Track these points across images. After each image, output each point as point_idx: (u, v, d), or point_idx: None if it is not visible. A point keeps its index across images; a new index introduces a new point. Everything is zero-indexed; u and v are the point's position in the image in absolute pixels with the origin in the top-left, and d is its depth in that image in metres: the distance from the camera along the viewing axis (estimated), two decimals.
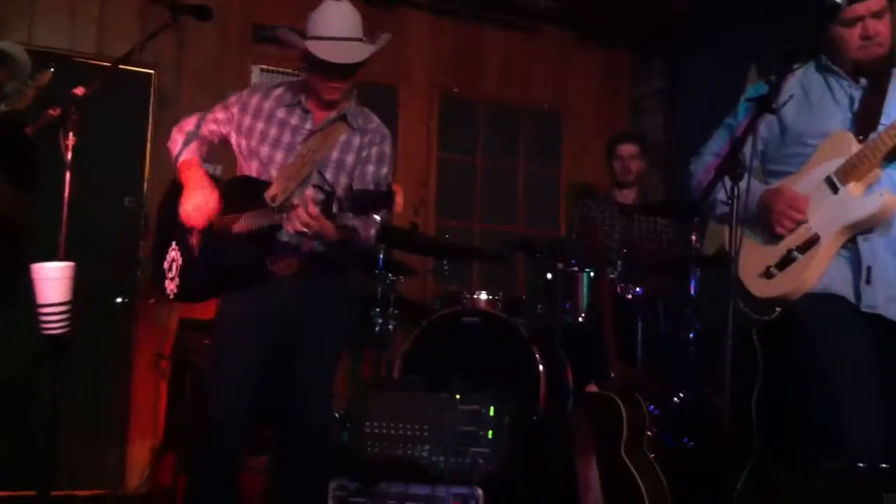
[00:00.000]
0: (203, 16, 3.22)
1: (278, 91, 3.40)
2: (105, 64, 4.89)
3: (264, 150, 3.31)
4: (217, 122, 3.40)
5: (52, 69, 3.66)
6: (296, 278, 3.26)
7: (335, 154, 3.30)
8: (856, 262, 2.84)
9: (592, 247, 5.10)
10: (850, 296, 2.83)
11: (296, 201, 2.95)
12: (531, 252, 5.26)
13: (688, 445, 4.44)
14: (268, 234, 3.17)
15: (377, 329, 4.84)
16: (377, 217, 3.00)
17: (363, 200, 2.82)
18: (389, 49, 6.07)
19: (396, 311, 4.89)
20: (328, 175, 3.27)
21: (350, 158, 3.31)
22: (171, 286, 3.35)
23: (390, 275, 4.92)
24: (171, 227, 3.38)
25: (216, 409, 3.24)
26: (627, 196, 5.42)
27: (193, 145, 3.34)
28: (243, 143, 3.35)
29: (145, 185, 5.43)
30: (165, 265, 3.37)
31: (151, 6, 5.37)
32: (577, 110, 6.82)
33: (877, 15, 2.82)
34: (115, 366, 5.26)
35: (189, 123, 3.39)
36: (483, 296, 4.88)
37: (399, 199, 2.76)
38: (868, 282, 2.81)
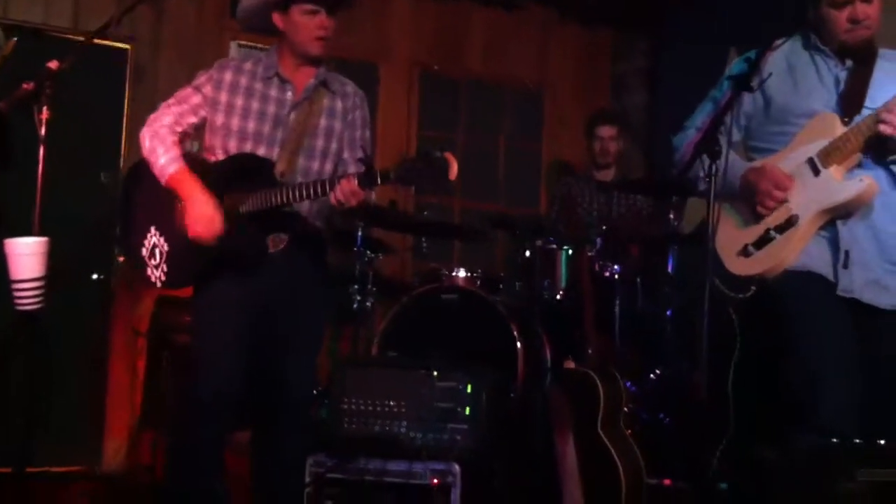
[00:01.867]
0: None
1: (248, 65, 3.33)
2: (80, 38, 4.83)
3: (250, 126, 3.24)
4: (194, 111, 3.30)
5: (16, 39, 3.59)
6: (282, 254, 3.24)
7: (323, 121, 3.27)
8: (835, 245, 2.85)
9: (572, 224, 5.11)
10: (830, 275, 2.85)
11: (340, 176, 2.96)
12: (510, 229, 5.26)
13: (664, 421, 4.47)
14: (271, 212, 3.12)
15: (356, 306, 4.84)
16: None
17: (416, 173, 2.79)
18: (370, 26, 6.18)
19: (375, 289, 4.89)
20: (319, 142, 3.25)
21: (338, 125, 3.30)
22: (156, 273, 3.27)
23: (369, 252, 4.91)
24: (148, 212, 3.30)
25: (205, 391, 3.20)
26: (607, 175, 5.43)
27: (177, 152, 3.24)
28: (223, 120, 3.26)
29: (121, 160, 5.37)
30: (145, 252, 3.29)
31: None
32: (559, 88, 6.80)
33: None
34: (92, 343, 5.22)
35: (163, 126, 3.26)
36: (462, 273, 4.88)
37: (454, 168, 2.74)
38: (845, 266, 2.83)
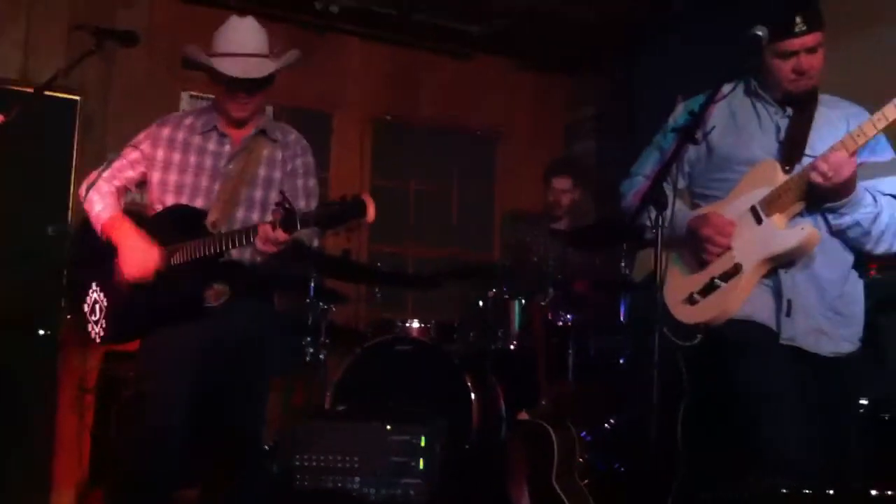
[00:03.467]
0: (130, 41, 3.18)
1: (188, 120, 3.35)
2: (29, 89, 4.80)
3: (188, 179, 3.25)
4: (133, 166, 3.32)
5: None
6: (225, 306, 3.21)
7: (262, 171, 3.28)
8: (778, 293, 2.88)
9: (525, 273, 5.12)
10: (773, 324, 2.87)
11: (260, 222, 2.96)
12: (463, 279, 5.26)
13: (619, 470, 4.45)
14: (206, 263, 3.10)
15: (309, 358, 4.79)
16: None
17: (333, 214, 2.82)
18: (324, 75, 6.20)
19: (328, 340, 4.85)
20: (258, 193, 3.25)
21: (278, 174, 3.30)
22: (96, 329, 3.24)
23: (322, 303, 4.88)
24: (89, 267, 3.29)
25: (145, 443, 3.16)
26: (560, 223, 5.45)
27: (112, 201, 3.26)
28: (160, 176, 3.27)
29: (69, 212, 5.31)
30: (86, 308, 3.26)
31: (78, 31, 5.28)
32: (511, 135, 6.86)
33: (811, 50, 2.86)
34: (38, 398, 5.11)
35: (100, 178, 3.27)
36: (415, 323, 4.88)
37: (371, 210, 2.78)
38: (788, 314, 2.85)
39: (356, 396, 4.51)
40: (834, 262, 2.89)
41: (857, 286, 2.96)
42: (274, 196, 3.21)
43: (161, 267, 3.12)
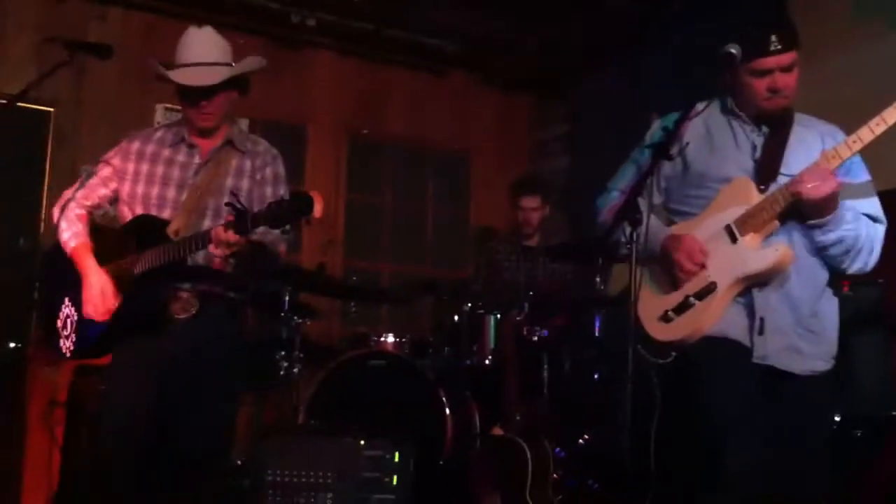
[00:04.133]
0: (103, 54, 3.17)
1: (158, 133, 3.37)
2: (2, 101, 4.75)
3: (155, 191, 3.26)
4: (104, 183, 3.33)
5: None
6: (191, 320, 3.20)
7: (229, 181, 3.28)
8: (751, 312, 2.89)
9: (498, 289, 5.12)
10: (746, 342, 2.88)
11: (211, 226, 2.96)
12: (437, 294, 5.25)
13: (593, 487, 4.45)
14: (169, 276, 3.11)
15: (282, 373, 4.77)
16: (285, 234, 2.99)
17: (282, 211, 2.80)
18: (297, 88, 6.19)
19: (302, 354, 4.82)
20: (224, 201, 3.20)
21: (245, 183, 3.30)
22: (66, 344, 3.24)
23: (296, 317, 4.86)
24: (62, 282, 3.28)
25: (106, 457, 3.17)
26: (532, 240, 5.46)
27: (80, 227, 3.28)
28: (129, 188, 3.29)
29: (41, 224, 5.26)
30: (59, 323, 3.26)
31: (51, 43, 5.25)
32: (484, 152, 6.88)
33: (786, 69, 2.88)
34: (7, 413, 5.05)
35: (71, 200, 3.30)
36: (390, 338, 4.86)
37: (318, 206, 2.77)
38: (761, 333, 2.86)
39: (330, 411, 4.49)
40: (808, 281, 2.91)
41: (830, 305, 2.98)
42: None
43: (119, 300, 3.14)
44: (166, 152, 3.31)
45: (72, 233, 3.25)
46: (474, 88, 6.86)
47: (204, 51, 3.22)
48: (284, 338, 4.79)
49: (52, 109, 5.40)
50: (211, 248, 2.93)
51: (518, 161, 6.87)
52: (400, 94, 6.63)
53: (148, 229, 3.19)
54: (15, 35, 5.33)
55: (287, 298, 4.78)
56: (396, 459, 3.70)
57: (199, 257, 3.14)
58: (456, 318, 4.89)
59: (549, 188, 5.72)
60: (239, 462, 4.14)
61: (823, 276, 2.95)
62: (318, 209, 2.77)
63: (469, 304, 4.84)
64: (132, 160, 3.30)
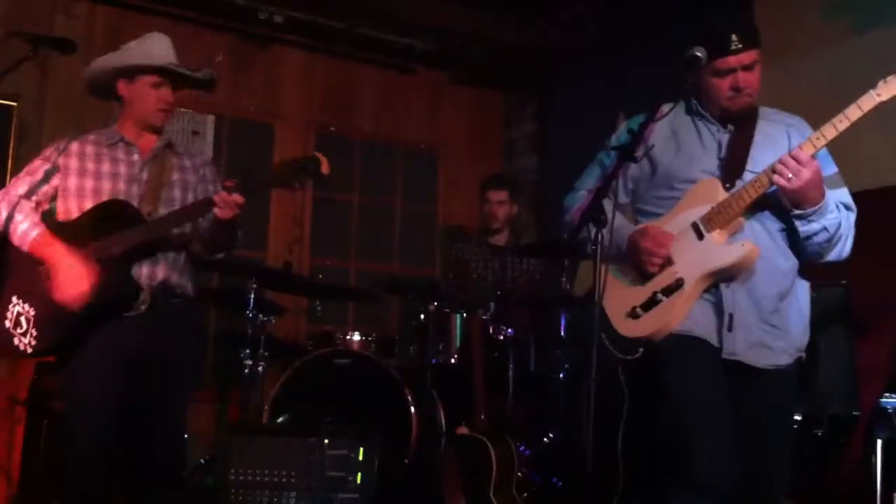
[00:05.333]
0: (67, 49, 3.16)
1: (91, 136, 3.39)
2: None
3: (105, 185, 3.29)
4: (47, 178, 3.30)
5: None
6: (149, 312, 3.22)
7: (176, 175, 3.38)
8: (719, 308, 2.91)
9: (465, 288, 5.12)
10: (714, 339, 2.90)
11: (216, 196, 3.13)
12: (404, 293, 5.24)
13: (557, 485, 4.47)
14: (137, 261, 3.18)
15: (246, 371, 4.74)
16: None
17: (292, 170, 3.07)
18: (264, 86, 6.15)
19: (267, 353, 4.79)
20: (176, 193, 3.35)
21: (191, 177, 3.41)
22: (25, 341, 3.18)
23: (261, 315, 4.83)
24: (6, 282, 3.25)
25: (76, 455, 3.16)
26: (499, 238, 5.46)
27: (35, 218, 3.24)
28: (77, 182, 3.28)
29: None
30: (8, 324, 3.20)
31: (14, 37, 5.18)
32: (452, 150, 6.88)
33: (748, 68, 2.90)
34: None
35: (17, 195, 3.25)
36: (356, 337, 4.85)
37: (325, 166, 3.04)
38: (729, 329, 2.88)
39: (295, 410, 4.46)
40: (771, 278, 2.93)
41: (796, 300, 2.99)
42: (191, 197, 3.35)
43: (94, 283, 3.11)
44: (105, 151, 3.34)
45: (30, 223, 3.20)
46: (444, 87, 6.85)
47: (173, 55, 3.36)
48: (249, 335, 4.76)
49: (15, 104, 5.33)
50: (217, 211, 3.10)
51: (490, 160, 6.88)
52: (369, 92, 6.61)
53: (121, 213, 3.22)
54: None
55: (252, 296, 4.75)
56: (361, 458, 3.69)
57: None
58: (422, 316, 4.88)
59: (519, 187, 5.73)
60: (203, 461, 4.10)
61: (789, 273, 2.97)
62: (325, 167, 3.03)
63: (435, 303, 4.84)
64: (74, 157, 3.31)
